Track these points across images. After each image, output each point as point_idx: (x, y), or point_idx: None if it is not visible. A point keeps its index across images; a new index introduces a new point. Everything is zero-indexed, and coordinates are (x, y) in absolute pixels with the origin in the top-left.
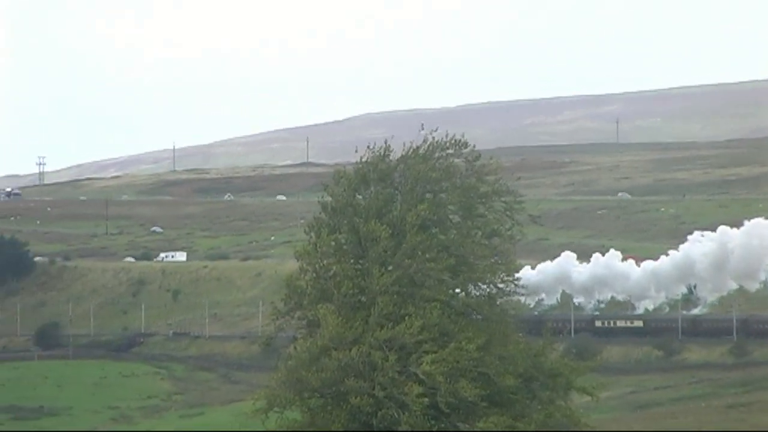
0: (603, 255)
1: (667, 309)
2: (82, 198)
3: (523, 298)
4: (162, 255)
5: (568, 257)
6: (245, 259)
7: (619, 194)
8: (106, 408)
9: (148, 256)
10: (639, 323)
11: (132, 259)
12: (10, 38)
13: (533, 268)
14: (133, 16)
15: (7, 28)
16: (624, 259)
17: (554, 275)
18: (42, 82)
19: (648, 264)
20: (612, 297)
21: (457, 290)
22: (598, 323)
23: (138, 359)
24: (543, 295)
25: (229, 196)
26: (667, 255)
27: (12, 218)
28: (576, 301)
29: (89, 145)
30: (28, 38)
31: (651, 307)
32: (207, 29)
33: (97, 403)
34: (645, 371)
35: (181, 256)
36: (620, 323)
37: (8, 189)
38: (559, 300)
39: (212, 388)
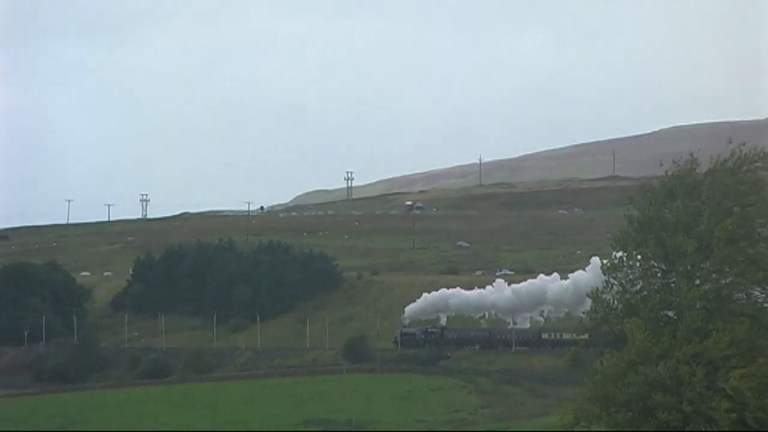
0: None
1: None
2: (391, 212)
3: None
4: None
5: None
6: (550, 273)
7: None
8: (414, 421)
9: (454, 270)
10: None
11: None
12: (321, 56)
13: None
14: (448, 32)
15: (320, 48)
16: None
17: None
18: (348, 97)
19: None
20: None
21: (766, 305)
22: None
23: (445, 373)
24: None
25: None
26: None
27: (320, 233)
28: None
29: (397, 160)
30: (336, 53)
31: None
32: (524, 46)
33: (405, 416)
34: None
35: None
36: None
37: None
38: None
39: (519, 402)
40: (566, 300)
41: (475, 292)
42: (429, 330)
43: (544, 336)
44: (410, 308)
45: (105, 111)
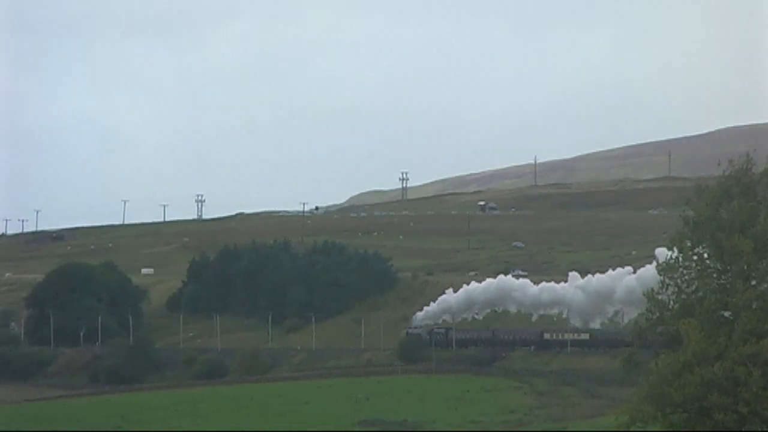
0: None
1: None
2: (452, 212)
3: None
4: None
5: None
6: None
7: None
8: (468, 422)
9: (509, 271)
10: None
11: None
12: (376, 57)
13: None
14: (504, 32)
15: (375, 49)
16: None
17: None
18: (403, 98)
19: None
20: None
21: None
22: None
23: (500, 374)
24: None
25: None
26: None
27: (375, 234)
28: None
29: (452, 160)
30: (392, 55)
31: None
32: (578, 46)
33: (460, 417)
34: None
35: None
36: None
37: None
38: None
39: (574, 403)
40: (635, 300)
41: (545, 287)
42: (435, 330)
43: (546, 336)
44: (446, 301)
45: (161, 111)
